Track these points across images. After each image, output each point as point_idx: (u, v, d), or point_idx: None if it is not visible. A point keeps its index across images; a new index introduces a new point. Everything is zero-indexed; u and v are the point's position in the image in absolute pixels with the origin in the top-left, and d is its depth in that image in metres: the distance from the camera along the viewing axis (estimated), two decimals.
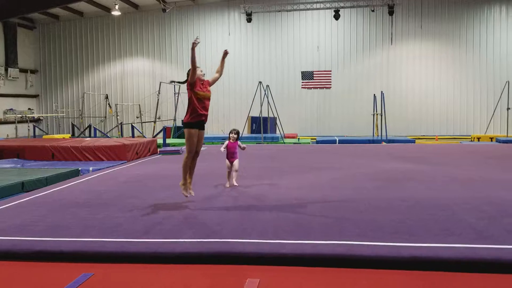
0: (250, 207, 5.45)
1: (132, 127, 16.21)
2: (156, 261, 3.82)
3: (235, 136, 6.94)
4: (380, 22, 19.13)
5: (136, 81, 21.16)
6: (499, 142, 15.23)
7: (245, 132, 17.22)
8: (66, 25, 21.86)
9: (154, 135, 17.54)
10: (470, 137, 17.66)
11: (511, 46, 18.45)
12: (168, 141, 15.59)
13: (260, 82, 17.13)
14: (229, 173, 6.90)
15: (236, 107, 20.01)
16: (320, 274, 3.56)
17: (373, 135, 17.37)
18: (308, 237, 4.17)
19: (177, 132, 18.33)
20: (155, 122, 18.46)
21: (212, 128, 20.24)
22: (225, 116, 20.17)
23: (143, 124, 20.04)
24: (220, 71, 6.08)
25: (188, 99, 5.62)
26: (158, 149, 12.75)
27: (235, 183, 6.84)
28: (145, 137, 15.30)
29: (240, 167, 9.15)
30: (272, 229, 4.44)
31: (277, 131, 17.86)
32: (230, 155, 6.89)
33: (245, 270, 3.62)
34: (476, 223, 4.55)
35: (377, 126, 17.20)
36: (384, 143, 15.36)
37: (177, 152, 12.12)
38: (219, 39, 20.12)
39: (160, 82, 18.92)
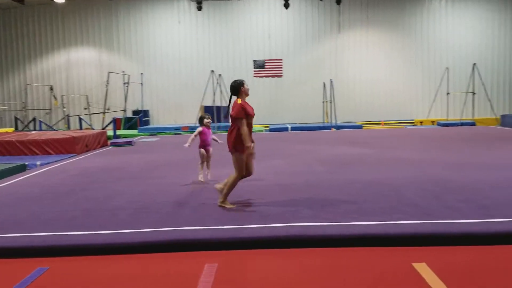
0: (207, 195, 5.52)
1: (80, 119, 15.75)
2: (113, 252, 3.82)
3: (211, 121, 6.43)
4: (329, 11, 19.52)
5: (83, 72, 20.48)
6: (440, 125, 16.08)
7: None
8: (6, 14, 20.75)
9: (103, 127, 17.12)
10: (413, 121, 18.51)
11: (451, 34, 19.40)
12: (118, 132, 15.29)
13: (212, 71, 17.09)
14: (203, 163, 6.38)
15: (188, 96, 19.84)
16: (277, 255, 3.70)
17: (324, 122, 17.81)
18: (265, 221, 4.30)
19: (128, 123, 17.98)
20: (104, 113, 18.00)
21: (164, 119, 20.00)
22: (177, 106, 19.97)
23: (92, 115, 19.48)
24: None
25: (236, 122, 4.80)
26: (109, 141, 12.50)
27: (209, 177, 6.37)
28: (94, 129, 14.90)
29: (192, 158, 9.17)
30: (230, 215, 4.54)
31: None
32: (206, 142, 6.30)
33: (204, 256, 3.71)
34: (420, 201, 4.86)
35: (327, 113, 17.65)
36: (333, 129, 15.82)
37: (129, 144, 11.94)
38: (169, 27, 19.81)
39: (109, 72, 18.43)
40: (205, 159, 6.38)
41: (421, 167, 7.16)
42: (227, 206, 4.91)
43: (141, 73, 19.78)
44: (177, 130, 16.44)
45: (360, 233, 3.89)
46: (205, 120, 6.33)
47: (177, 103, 19.99)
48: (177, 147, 11.02)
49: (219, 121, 17.55)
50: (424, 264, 3.37)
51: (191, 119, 18.73)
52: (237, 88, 4.91)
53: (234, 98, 5.01)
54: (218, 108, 17.17)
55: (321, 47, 19.72)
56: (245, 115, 4.76)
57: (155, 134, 15.79)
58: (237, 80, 5.03)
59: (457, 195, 5.09)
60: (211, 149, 6.41)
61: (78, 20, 20.23)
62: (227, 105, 5.27)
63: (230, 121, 5.06)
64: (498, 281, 3.08)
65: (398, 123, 18.52)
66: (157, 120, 20.11)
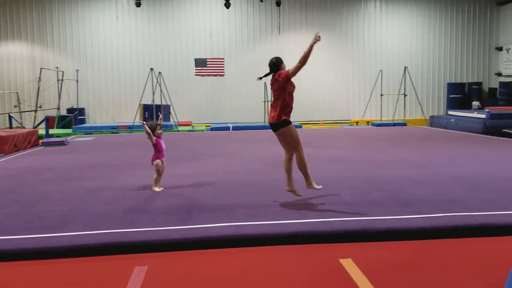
0: (140, 197, 5.42)
1: (10, 117, 14.88)
2: (40, 256, 3.67)
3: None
4: (269, 13, 19.74)
5: (13, 67, 19.36)
6: (374, 125, 16.78)
7: (137, 120, 16.75)
8: None
9: (35, 125, 16.28)
10: (350, 121, 19.17)
11: (385, 38, 20.26)
12: (51, 131, 14.61)
13: (151, 69, 16.76)
14: (160, 176, 5.80)
15: (127, 94, 19.32)
16: (209, 256, 3.71)
17: (265, 121, 18.00)
18: (198, 221, 4.30)
19: (61, 121, 17.23)
20: (36, 111, 17.13)
21: (101, 117, 19.35)
22: (115, 104, 19.38)
23: (22, 113, 18.47)
24: (301, 60, 4.96)
25: (281, 95, 4.88)
26: (40, 141, 11.92)
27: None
28: (25, 128, 14.14)
29: (132, 158, 8.99)
30: (163, 217, 4.49)
31: (171, 119, 17.68)
32: (162, 153, 5.81)
33: (134, 258, 3.64)
34: (350, 199, 5.05)
35: (268, 113, 17.87)
36: None
37: (61, 143, 11.45)
38: (106, 23, 19.18)
39: (41, 68, 17.55)
40: (162, 172, 5.80)
41: (353, 165, 7.44)
42: (316, 187, 4.96)
43: (77, 70, 19.02)
44: (114, 129, 15.99)
45: (291, 231, 3.98)
46: (158, 131, 5.76)
47: (115, 101, 19.40)
48: (113, 147, 10.72)
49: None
50: (350, 259, 3.51)
51: (129, 118, 18.27)
52: (278, 65, 5.02)
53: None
54: (158, 106, 16.87)
55: (262, 47, 19.91)
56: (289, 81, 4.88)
57: (91, 133, 15.26)
58: (276, 57, 5.08)
59: (384, 192, 5.35)
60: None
61: (8, 13, 19.10)
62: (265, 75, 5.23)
63: (273, 96, 5.04)
64: (419, 275, 3.26)
65: (335, 123, 19.10)
66: (94, 118, 19.41)
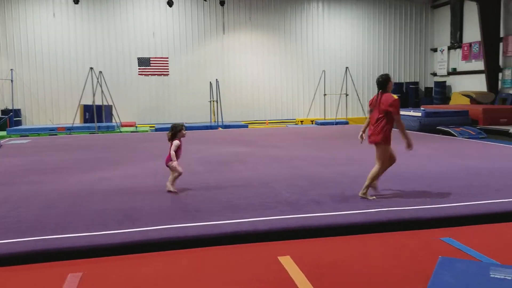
0: (77, 201, 5.23)
1: None
2: None
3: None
4: (214, 12, 19.66)
5: None
6: (318, 124, 17.17)
7: (77, 121, 16.13)
8: None
9: None
10: (295, 120, 19.50)
11: (328, 39, 20.76)
12: None
13: (91, 68, 16.19)
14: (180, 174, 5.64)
15: (66, 95, 18.54)
16: (149, 259, 3.64)
17: (211, 121, 17.93)
18: (137, 224, 4.20)
19: None
20: None
21: (38, 119, 18.47)
22: (53, 105, 18.56)
23: None
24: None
25: (387, 121, 4.94)
26: None
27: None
28: None
29: (69, 161, 8.66)
30: (100, 221, 4.35)
31: (113, 120, 17.17)
32: (179, 155, 5.70)
33: (68, 265, 3.51)
34: (291, 197, 5.13)
35: (214, 112, 17.80)
36: (220, 129, 16.01)
37: None
38: (43, 20, 18.33)
39: None
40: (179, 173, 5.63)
41: (294, 163, 7.56)
42: (369, 198, 4.97)
43: (11, 69, 18.05)
44: (53, 131, 15.30)
45: (231, 231, 3.99)
46: (183, 132, 5.64)
47: (53, 102, 18.58)
48: (50, 150, 10.27)
49: (100, 120, 16.69)
50: (288, 257, 3.56)
51: (69, 119, 17.57)
52: (386, 83, 4.99)
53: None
54: (99, 107, 16.33)
55: (207, 46, 19.80)
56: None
57: (27, 136, 14.53)
58: (384, 74, 5.11)
59: (324, 190, 5.48)
60: None
61: None
62: (376, 99, 5.09)
63: (373, 113, 5.11)
64: (354, 269, 3.37)
65: (281, 122, 19.35)
66: (31, 120, 18.49)
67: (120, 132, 15.48)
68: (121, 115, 17.52)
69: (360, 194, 5.08)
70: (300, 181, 6.03)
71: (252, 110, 20.09)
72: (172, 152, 5.51)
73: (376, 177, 5.13)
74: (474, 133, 11.88)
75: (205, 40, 19.77)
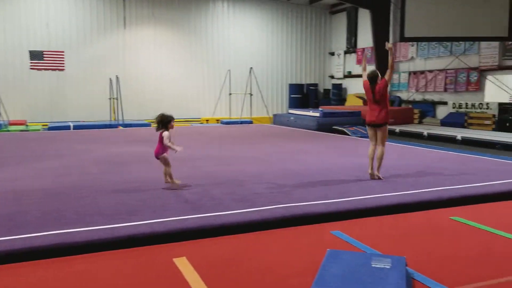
0: None
1: None
2: None
3: None
4: (114, 5, 18.83)
5: None
6: (223, 123, 17.29)
7: None
8: None
9: None
10: (200, 119, 19.43)
11: (233, 38, 20.95)
12: None
13: None
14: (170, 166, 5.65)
15: None
16: (35, 267, 3.39)
17: (110, 120, 17.19)
18: (22, 231, 3.89)
19: None
20: None
21: None
22: None
23: None
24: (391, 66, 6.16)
25: (384, 100, 6.17)
26: None
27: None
28: None
29: None
30: None
31: (1, 118, 15.71)
32: (166, 149, 5.58)
33: None
34: (191, 197, 5.09)
35: (114, 110, 17.08)
36: (121, 128, 15.41)
37: None
38: None
39: None
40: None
41: (197, 163, 7.53)
42: (381, 177, 6.12)
43: None
44: None
45: (126, 234, 3.85)
46: (172, 123, 5.59)
47: None
48: None
49: None
50: (184, 258, 3.53)
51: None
52: (377, 76, 6.13)
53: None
54: None
55: (107, 41, 18.92)
56: None
57: None
58: (375, 70, 6.23)
59: (224, 188, 5.52)
60: None
61: None
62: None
63: (373, 101, 6.19)
64: (248, 266, 3.43)
65: (186, 121, 19.15)
66: None
67: (8, 131, 14.22)
68: (9, 112, 16.10)
69: (375, 175, 6.17)
70: (201, 180, 6.02)
71: (156, 108, 19.47)
72: (168, 142, 5.46)
73: (384, 154, 6.23)
74: (365, 132, 12.76)
75: (105, 34, 18.88)
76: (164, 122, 5.53)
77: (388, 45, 6.24)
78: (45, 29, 17.94)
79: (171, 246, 3.81)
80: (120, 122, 16.15)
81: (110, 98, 16.98)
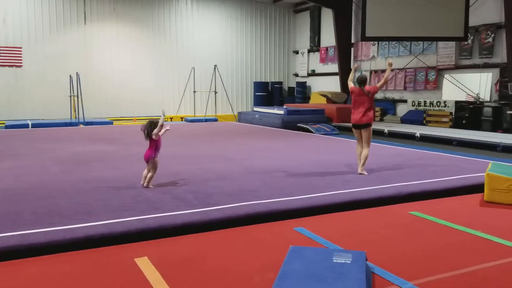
0: None
1: None
2: None
3: None
4: (75, 0, 18.32)
5: None
6: (187, 121, 17.15)
7: None
8: None
9: None
10: (164, 117, 19.13)
11: (197, 36, 20.76)
12: None
13: None
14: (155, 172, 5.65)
15: None
16: None
17: (71, 118, 16.73)
18: None
19: None
20: None
21: None
22: None
23: None
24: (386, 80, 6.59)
25: (370, 103, 6.57)
26: None
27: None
28: None
29: None
30: None
31: None
32: (159, 151, 5.72)
33: None
34: (152, 196, 5.02)
35: (74, 108, 16.63)
36: (82, 126, 15.03)
37: None
38: None
39: None
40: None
41: (161, 161, 7.40)
42: (365, 173, 6.39)
43: None
44: None
45: (84, 235, 3.76)
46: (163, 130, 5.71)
47: None
48: None
49: None
50: (145, 258, 3.48)
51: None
52: (366, 80, 6.69)
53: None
54: None
55: (67, 37, 18.37)
56: None
57: None
58: (364, 75, 6.83)
59: (188, 187, 5.48)
60: None
61: None
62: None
63: (361, 102, 6.54)
64: (210, 265, 3.40)
65: (150, 119, 18.82)
66: None
67: None
68: None
69: (359, 173, 6.41)
70: (164, 179, 5.94)
71: (119, 106, 19.24)
72: (159, 131, 5.62)
73: (368, 154, 6.50)
74: (328, 130, 12.97)
75: (65, 30, 18.34)
76: (152, 128, 5.61)
77: (389, 60, 6.77)
78: (1, 24, 17.27)
79: (132, 246, 3.75)
80: (81, 120, 15.74)
81: (70, 96, 16.52)
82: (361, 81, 6.62)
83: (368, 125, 6.51)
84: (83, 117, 15.85)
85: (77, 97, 16.08)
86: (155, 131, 5.54)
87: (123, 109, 19.32)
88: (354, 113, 6.61)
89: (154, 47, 19.90)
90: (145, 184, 5.52)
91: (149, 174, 5.54)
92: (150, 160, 5.54)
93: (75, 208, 4.53)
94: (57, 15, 18.14)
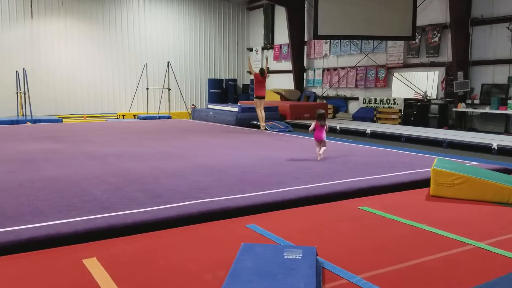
0: None
1: None
2: None
3: None
4: None
5: None
6: (140, 118, 16.81)
7: None
8: None
9: None
10: (116, 114, 18.70)
11: (149, 32, 20.39)
12: None
13: None
14: None
15: None
16: None
17: (18, 115, 16.00)
18: None
19: None
20: None
21: None
22: None
23: None
24: None
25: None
26: None
27: None
28: None
29: None
30: None
31: None
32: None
33: None
34: (101, 196, 4.88)
35: (21, 105, 15.92)
36: (29, 123, 14.42)
37: None
38: None
39: None
40: None
41: (109, 160, 7.24)
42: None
43: None
44: None
45: (27, 237, 3.60)
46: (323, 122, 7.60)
47: None
48: None
49: None
50: (94, 259, 3.38)
51: None
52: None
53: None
54: None
55: (12, 32, 17.54)
56: None
57: None
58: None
59: (138, 185, 5.37)
60: None
61: None
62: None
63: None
64: (161, 264, 3.35)
65: (100, 116, 18.34)
66: None
67: None
68: None
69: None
70: (113, 178, 5.79)
71: (68, 103, 18.62)
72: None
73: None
74: (282, 127, 13.09)
75: (10, 24, 17.52)
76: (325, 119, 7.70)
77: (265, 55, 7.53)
78: None
79: (80, 247, 3.63)
80: (29, 118, 15.09)
81: (17, 92, 15.79)
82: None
83: None
84: (31, 115, 15.22)
85: (24, 94, 15.41)
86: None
87: (72, 106, 18.71)
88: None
89: (105, 42, 19.38)
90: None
91: (323, 148, 7.39)
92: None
93: (20, 209, 4.34)
94: (2, 9, 17.31)
